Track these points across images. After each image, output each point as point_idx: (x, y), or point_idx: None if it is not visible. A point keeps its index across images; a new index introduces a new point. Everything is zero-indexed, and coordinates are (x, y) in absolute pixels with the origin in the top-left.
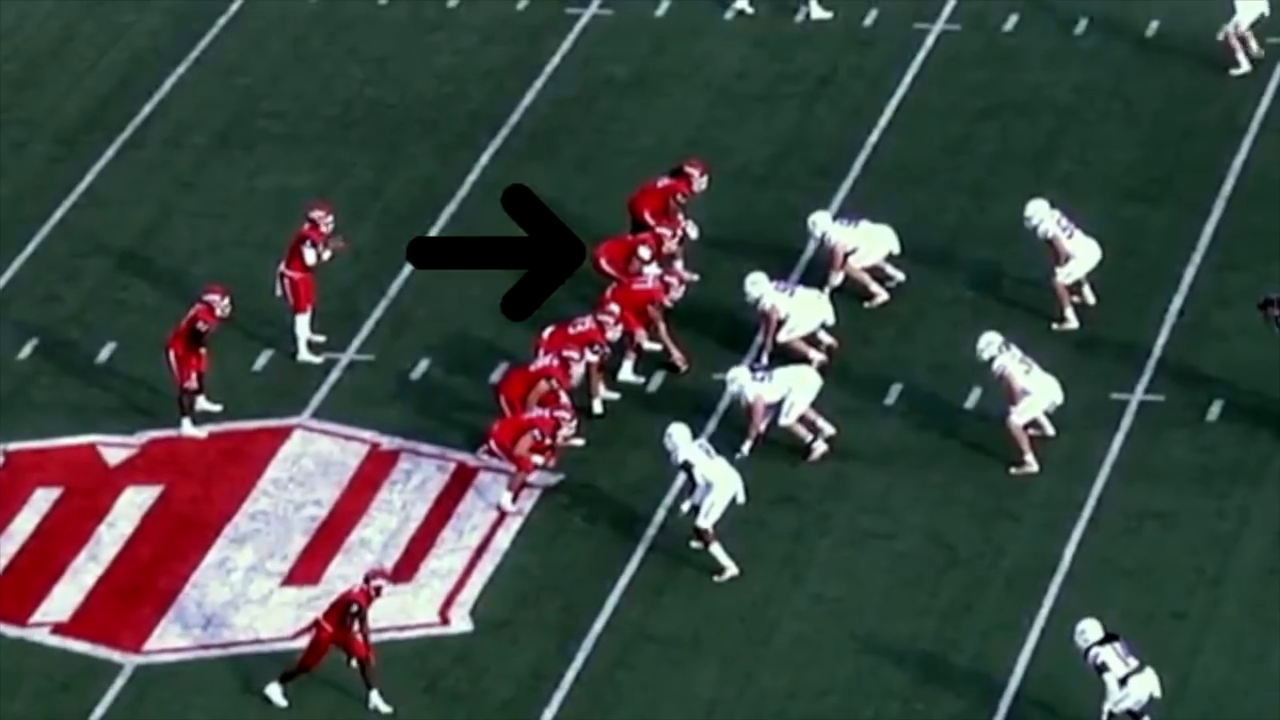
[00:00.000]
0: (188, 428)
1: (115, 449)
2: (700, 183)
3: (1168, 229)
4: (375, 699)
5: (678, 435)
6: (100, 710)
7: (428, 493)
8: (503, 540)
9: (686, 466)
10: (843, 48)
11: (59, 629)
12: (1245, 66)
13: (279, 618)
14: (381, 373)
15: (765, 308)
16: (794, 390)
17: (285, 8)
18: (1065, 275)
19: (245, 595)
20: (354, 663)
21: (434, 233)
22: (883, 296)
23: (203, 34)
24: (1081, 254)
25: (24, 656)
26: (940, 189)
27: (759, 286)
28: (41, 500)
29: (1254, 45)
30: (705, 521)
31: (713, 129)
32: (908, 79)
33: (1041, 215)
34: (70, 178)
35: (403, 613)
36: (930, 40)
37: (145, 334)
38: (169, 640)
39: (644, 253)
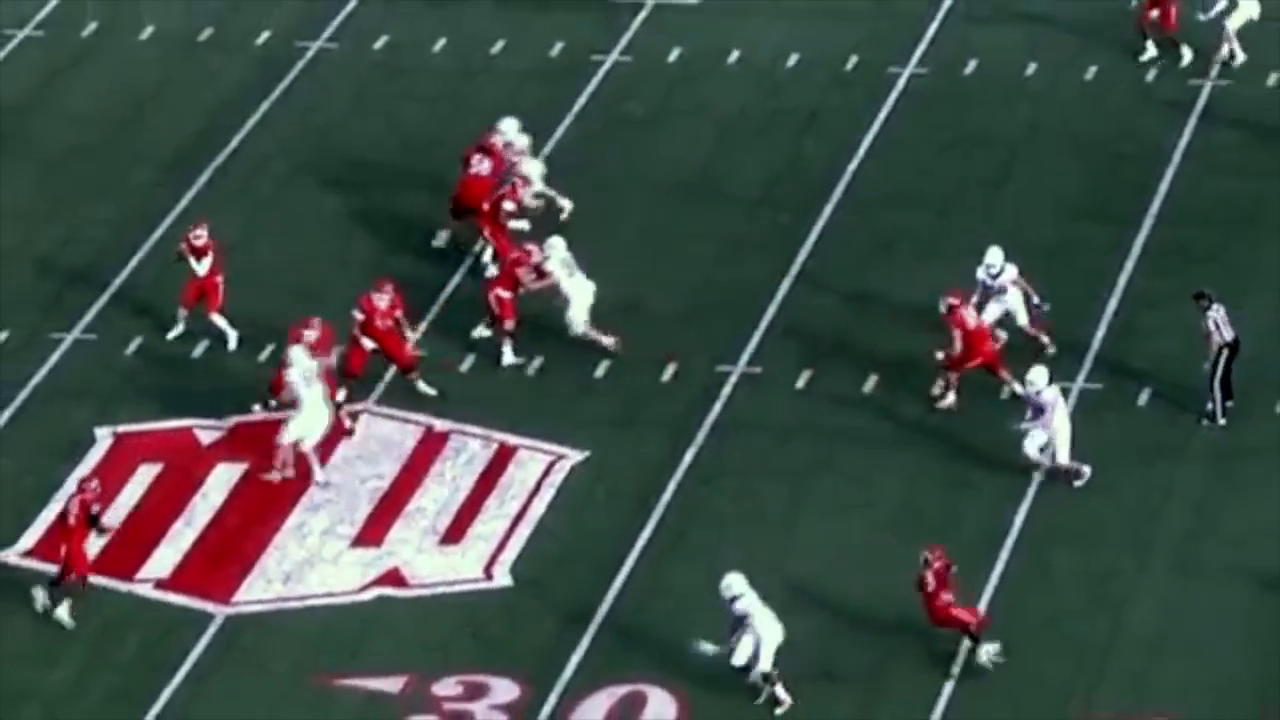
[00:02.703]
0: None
1: (208, 431)
2: (501, 141)
3: (1105, 242)
4: None
5: (738, 584)
6: (195, 653)
7: (474, 467)
8: (538, 508)
9: (743, 619)
10: (827, 88)
11: (160, 584)
12: (1228, 56)
13: (348, 574)
14: (434, 366)
15: (548, 269)
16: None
17: (352, 56)
18: None
19: (319, 555)
20: None
21: (476, 248)
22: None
23: (281, 79)
24: None
25: (131, 608)
26: (910, 209)
27: (555, 250)
28: (145, 475)
29: (1236, 47)
30: (767, 666)
31: (716, 158)
32: (883, 115)
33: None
34: (168, 201)
35: (452, 570)
36: (902, 82)
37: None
38: (254, 594)
39: (509, 206)
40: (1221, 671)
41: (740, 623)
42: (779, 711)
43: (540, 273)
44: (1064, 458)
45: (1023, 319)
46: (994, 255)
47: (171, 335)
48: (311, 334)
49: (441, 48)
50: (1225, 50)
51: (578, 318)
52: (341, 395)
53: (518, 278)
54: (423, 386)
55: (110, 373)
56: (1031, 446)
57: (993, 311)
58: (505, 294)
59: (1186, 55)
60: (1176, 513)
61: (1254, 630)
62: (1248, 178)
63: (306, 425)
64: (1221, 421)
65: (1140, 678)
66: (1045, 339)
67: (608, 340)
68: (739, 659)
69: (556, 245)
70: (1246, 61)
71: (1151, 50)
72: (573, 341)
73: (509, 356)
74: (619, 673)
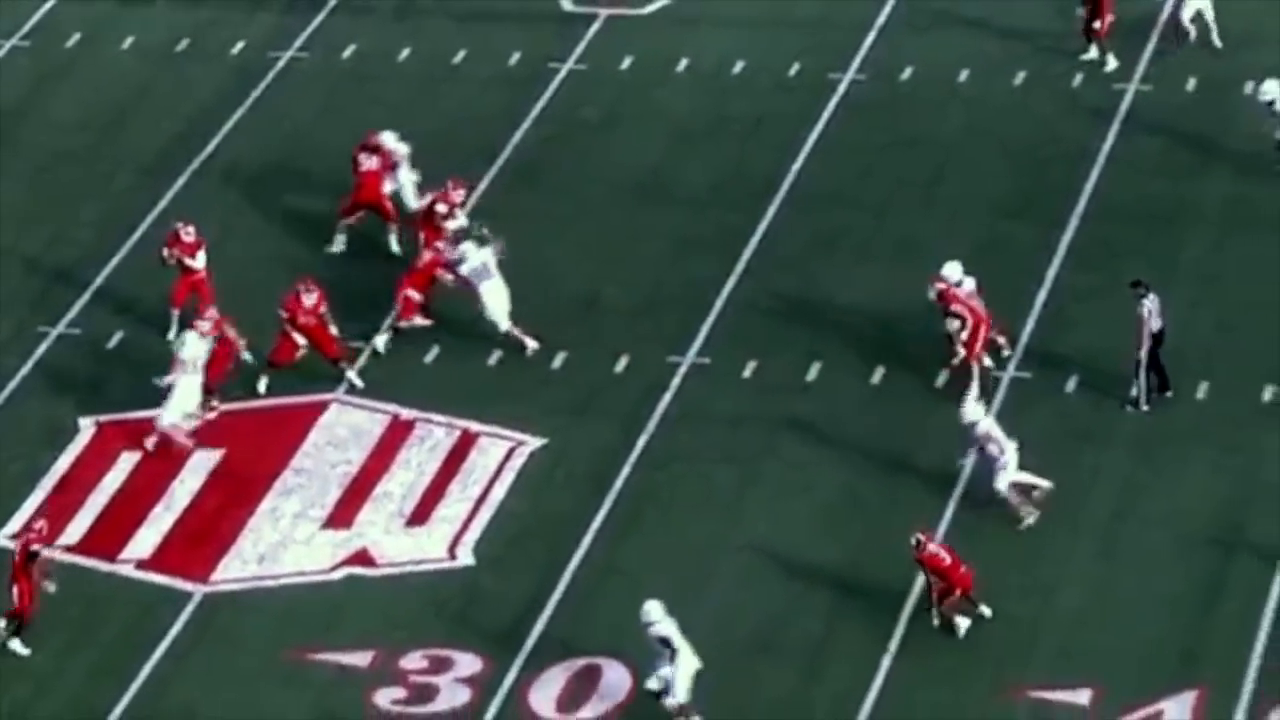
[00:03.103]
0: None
1: (186, 420)
2: (382, 139)
3: (1034, 239)
4: None
5: (655, 611)
6: (175, 629)
7: (438, 453)
8: (499, 492)
9: (666, 641)
10: (771, 94)
11: (142, 564)
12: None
13: (319, 555)
14: (401, 358)
15: (465, 272)
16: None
17: (321, 65)
18: None
19: (291, 537)
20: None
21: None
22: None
23: (255, 87)
24: None
25: (114, 588)
26: (850, 208)
27: (471, 253)
28: (126, 462)
29: (1190, 32)
30: (683, 697)
31: (667, 161)
32: (823, 119)
33: None
34: (148, 203)
35: (418, 550)
36: (841, 88)
37: None
38: (230, 573)
39: (441, 209)
40: (1143, 644)
41: (665, 645)
42: None
43: (456, 275)
44: (1015, 476)
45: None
46: (951, 269)
47: (171, 336)
48: (204, 324)
49: (406, 57)
50: (1190, 31)
51: (498, 319)
52: (263, 384)
53: (434, 279)
54: (352, 375)
55: (93, 365)
56: (1004, 485)
57: (954, 323)
58: (415, 295)
59: (1111, 64)
60: (1102, 494)
61: (1174, 605)
62: (1168, 178)
63: (182, 406)
64: (1145, 407)
65: (1067, 650)
66: (1002, 340)
67: (531, 343)
68: (653, 684)
69: (469, 251)
70: (1167, 68)
71: (1092, 52)
72: (532, 334)
73: (381, 344)
74: (575, 647)
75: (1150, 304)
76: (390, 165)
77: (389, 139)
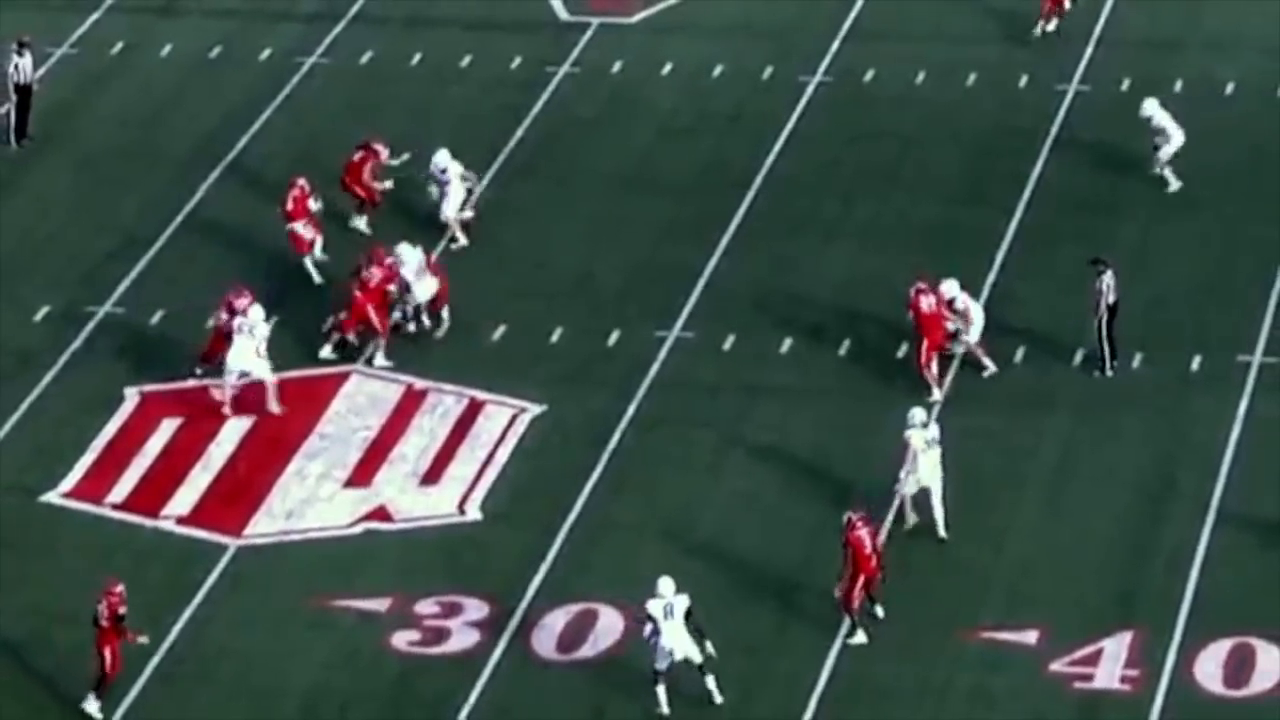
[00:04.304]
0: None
1: (221, 390)
2: (385, 153)
3: (985, 224)
4: None
5: (663, 586)
6: (212, 579)
7: (449, 419)
8: (503, 454)
9: (650, 619)
10: (748, 94)
11: (181, 520)
12: None
13: (341, 511)
14: (414, 335)
15: (401, 273)
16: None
17: (342, 67)
18: None
19: (316, 495)
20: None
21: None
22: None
23: (281, 89)
24: None
25: (156, 541)
26: (818, 196)
27: (406, 252)
28: (167, 428)
29: None
30: (660, 665)
31: (653, 154)
32: (794, 116)
33: None
34: (186, 193)
35: (431, 507)
36: (810, 88)
37: None
38: (261, 528)
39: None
40: (1085, 588)
41: (649, 620)
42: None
43: (400, 281)
44: (908, 490)
45: (974, 337)
46: (949, 287)
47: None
48: (243, 302)
49: (417, 62)
50: None
51: (420, 298)
52: (327, 352)
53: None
54: (380, 358)
55: (137, 341)
56: (906, 490)
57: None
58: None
59: (1038, 31)
60: (1047, 453)
61: (1113, 553)
62: (1104, 169)
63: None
64: (1110, 373)
65: (1016, 595)
66: (987, 360)
67: (408, 326)
68: (661, 664)
69: (405, 253)
70: (1103, 69)
71: (1052, 24)
72: (532, 311)
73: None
74: (573, 593)
75: (1108, 279)
76: (370, 157)
77: (444, 158)
